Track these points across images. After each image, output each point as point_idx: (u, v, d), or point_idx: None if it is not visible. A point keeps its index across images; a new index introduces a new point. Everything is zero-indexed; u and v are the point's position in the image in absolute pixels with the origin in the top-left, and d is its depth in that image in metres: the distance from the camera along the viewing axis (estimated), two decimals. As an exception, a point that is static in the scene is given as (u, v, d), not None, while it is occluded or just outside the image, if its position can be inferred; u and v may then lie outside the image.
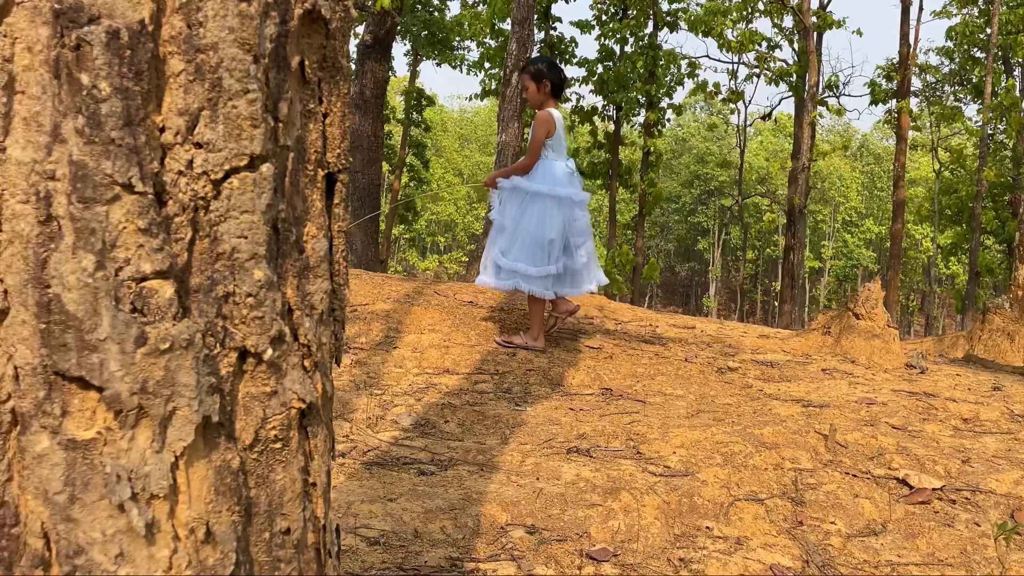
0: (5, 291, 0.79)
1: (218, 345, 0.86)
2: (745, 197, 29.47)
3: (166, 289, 0.82)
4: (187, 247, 0.84)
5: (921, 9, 21.49)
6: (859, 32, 19.59)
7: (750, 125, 26.47)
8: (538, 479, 3.06)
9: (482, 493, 2.92)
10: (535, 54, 15.45)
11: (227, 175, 0.86)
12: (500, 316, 5.79)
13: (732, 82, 21.43)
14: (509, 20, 17.83)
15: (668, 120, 20.35)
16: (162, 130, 0.84)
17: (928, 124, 25.08)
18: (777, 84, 20.07)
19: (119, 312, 0.79)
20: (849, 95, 22.67)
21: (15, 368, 0.79)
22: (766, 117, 21.65)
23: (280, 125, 0.90)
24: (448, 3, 23.95)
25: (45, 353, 0.79)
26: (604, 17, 19.53)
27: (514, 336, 5.18)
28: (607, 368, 4.94)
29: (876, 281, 5.92)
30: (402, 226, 32.14)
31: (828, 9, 20.49)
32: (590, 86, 19.43)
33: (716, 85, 20.58)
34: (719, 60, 22.53)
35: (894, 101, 20.31)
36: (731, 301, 49.05)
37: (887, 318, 5.73)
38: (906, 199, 21.33)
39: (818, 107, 19.06)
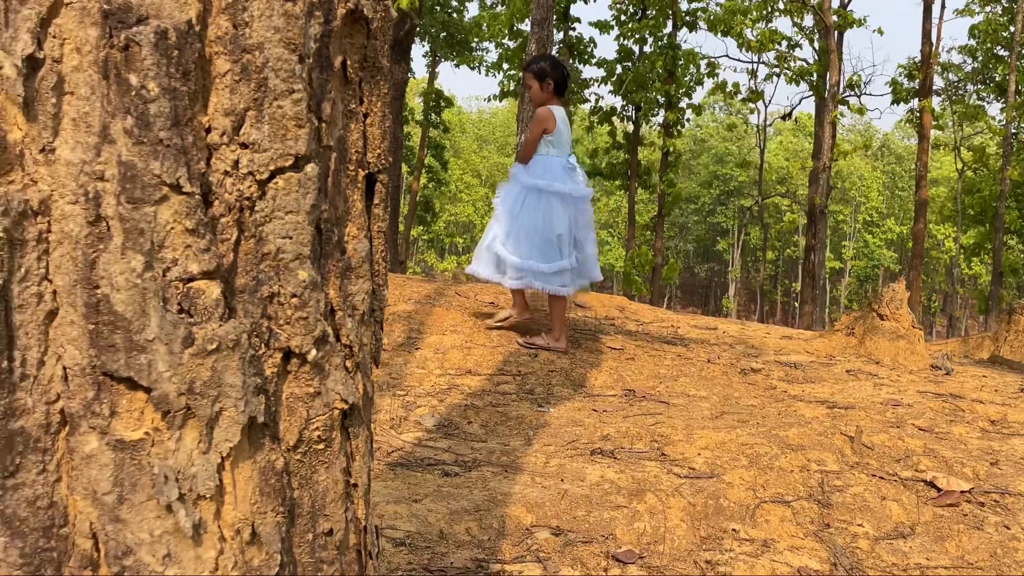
0: (54, 292, 0.80)
1: (263, 346, 0.86)
2: (765, 197, 29.34)
3: (213, 290, 0.82)
4: (233, 247, 0.84)
5: (944, 7, 21.35)
6: (880, 31, 19.47)
7: (770, 125, 26.36)
8: (562, 480, 3.06)
9: (507, 494, 2.91)
10: (554, 54, 15.45)
11: (272, 175, 0.86)
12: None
13: (752, 82, 21.35)
14: (528, 21, 17.85)
15: (687, 120, 20.31)
16: (208, 130, 0.84)
17: (950, 123, 24.90)
18: (797, 83, 19.98)
19: (167, 313, 0.80)
20: (870, 94, 22.55)
21: (64, 369, 0.80)
22: (786, 117, 21.55)
23: (323, 125, 0.91)
24: (467, 4, 23.98)
25: (94, 354, 0.79)
26: (623, 17, 19.50)
27: (536, 338, 5.18)
28: (630, 369, 4.93)
29: (901, 282, 5.88)
30: (420, 227, 32.20)
31: (849, 8, 20.38)
32: (609, 86, 19.41)
33: (735, 85, 20.50)
34: (739, 60, 22.45)
35: (916, 100, 20.17)
36: (751, 302, 48.85)
37: (912, 319, 5.70)
38: (928, 199, 21.18)
39: (839, 106, 18.96)
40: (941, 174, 42.65)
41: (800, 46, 20.98)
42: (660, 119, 19.82)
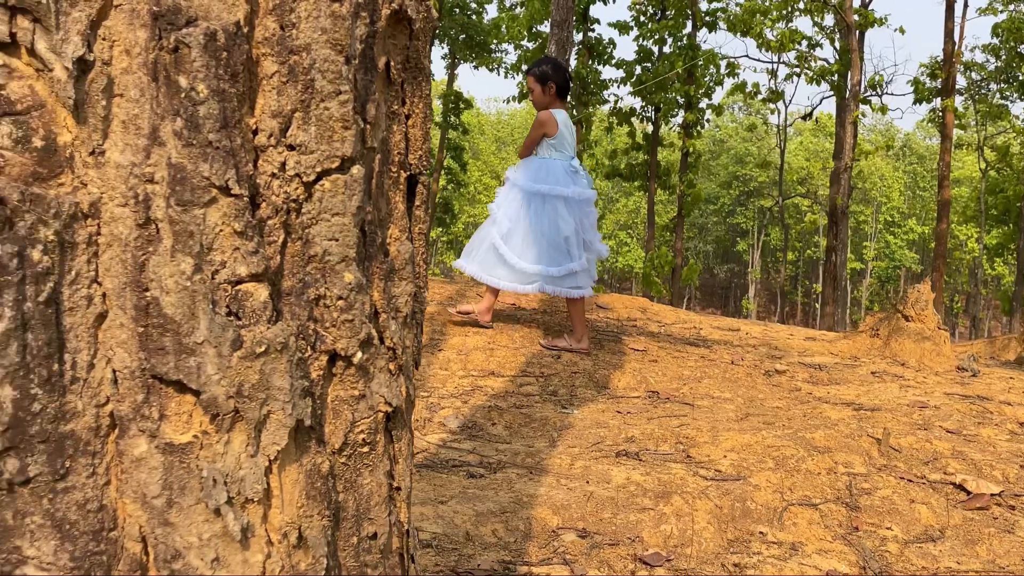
0: (104, 294, 0.80)
1: (309, 348, 0.86)
2: (786, 198, 29.19)
3: (261, 292, 0.82)
4: (279, 250, 0.84)
5: (966, 6, 21.18)
6: (901, 29, 19.34)
7: (790, 125, 26.23)
8: (588, 482, 3.05)
9: (532, 496, 2.91)
10: (573, 56, 15.42)
11: (319, 177, 0.86)
12: (543, 319, 5.78)
13: (772, 82, 21.26)
14: (547, 22, 17.85)
15: (707, 121, 20.24)
16: (255, 132, 0.84)
17: (973, 122, 24.67)
18: (818, 83, 19.88)
19: (216, 315, 0.80)
20: (892, 93, 22.35)
21: (113, 372, 0.80)
22: (807, 117, 21.43)
23: (368, 127, 0.90)
24: (486, 6, 24.01)
25: (143, 356, 0.79)
26: (642, 18, 19.46)
27: (558, 340, 5.18)
28: (653, 371, 4.92)
29: (926, 282, 5.83)
30: (439, 229, 32.24)
31: (870, 7, 20.25)
32: (629, 87, 19.38)
33: (755, 85, 20.42)
34: (758, 60, 22.32)
35: (938, 99, 20.03)
36: (771, 303, 48.64)
37: (937, 320, 5.65)
38: (951, 199, 21.01)
39: (861, 106, 18.84)
40: (964, 174, 42.32)
41: (820, 45, 20.87)
42: (679, 119, 19.77)
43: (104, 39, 0.80)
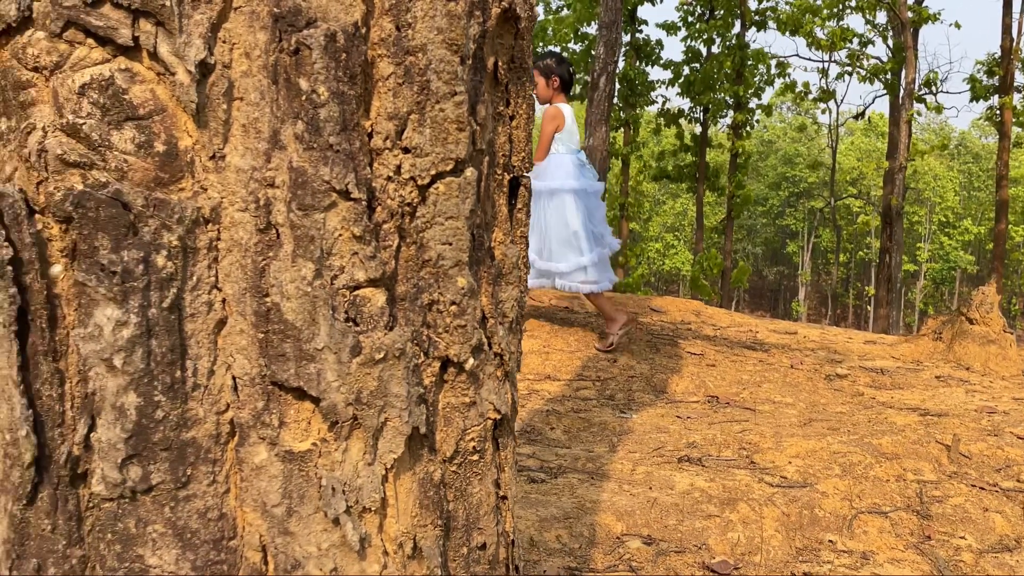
0: (224, 300, 0.80)
1: (422, 354, 0.85)
2: (837, 199, 28.81)
3: (378, 297, 0.81)
4: (394, 254, 0.83)
5: (1024, 1, 20.75)
6: (957, 25, 19.01)
7: (842, 125, 25.89)
8: (651, 488, 3.02)
9: (595, 502, 2.89)
10: (621, 57, 15.37)
11: (433, 180, 0.85)
12: (598, 322, 5.75)
13: (823, 81, 20.98)
14: (593, 24, 17.80)
15: (756, 121, 20.05)
16: (370, 135, 0.83)
17: (1032, 120, 24.13)
18: (872, 82, 19.59)
19: (335, 321, 0.79)
20: (947, 92, 21.95)
21: (234, 379, 0.79)
22: (859, 116, 21.14)
23: (478, 128, 0.90)
24: (531, 8, 24.01)
25: (264, 363, 0.79)
26: (691, 18, 19.34)
27: (604, 341, 5.17)
28: (711, 375, 4.87)
29: (991, 284, 5.71)
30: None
31: (923, 3, 19.93)
32: (677, 88, 19.25)
33: (806, 84, 20.18)
34: (809, 59, 22.04)
35: (996, 97, 19.63)
36: (821, 305, 48.03)
37: (1003, 323, 5.53)
38: (1009, 198, 20.59)
39: (915, 104, 18.54)
40: (1022, 173, 41.47)
41: (873, 43, 20.56)
42: (728, 120, 19.61)
43: (224, 42, 0.80)
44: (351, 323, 0.80)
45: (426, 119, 0.85)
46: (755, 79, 19.12)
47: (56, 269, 0.79)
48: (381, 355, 0.81)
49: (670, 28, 19.28)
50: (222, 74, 0.80)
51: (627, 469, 3.23)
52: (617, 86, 16.23)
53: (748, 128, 19.47)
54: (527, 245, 0.98)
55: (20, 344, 0.77)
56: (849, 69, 20.42)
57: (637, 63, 18.87)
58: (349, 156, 0.80)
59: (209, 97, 0.81)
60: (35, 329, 0.78)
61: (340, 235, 0.80)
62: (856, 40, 19.81)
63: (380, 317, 0.81)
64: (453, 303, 0.86)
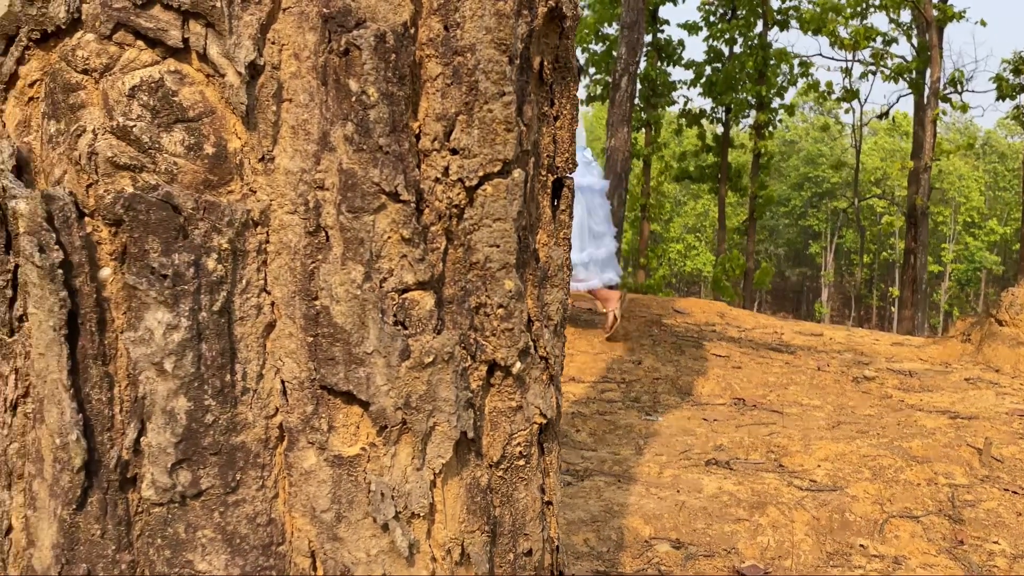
0: (273, 303, 0.79)
1: (469, 358, 0.85)
2: (861, 199, 28.63)
3: (427, 300, 0.80)
4: (441, 257, 0.83)
5: (1051, -2, 20.53)
6: (983, 22, 18.84)
7: (866, 124, 25.72)
8: (679, 492, 3.01)
9: (622, 505, 2.88)
10: (643, 58, 15.33)
11: (481, 181, 0.85)
12: (620, 324, 5.73)
13: (846, 80, 20.85)
14: (614, 24, 17.78)
15: (779, 121, 19.96)
16: (417, 137, 0.83)
17: (1059, 119, 23.88)
18: (896, 81, 19.46)
19: (385, 324, 0.79)
20: (972, 91, 21.78)
21: (282, 382, 0.79)
22: (883, 116, 21.00)
23: (524, 129, 0.89)
24: (552, 8, 23.99)
25: (313, 367, 0.78)
26: (712, 18, 19.26)
27: (611, 332, 5.19)
28: (737, 377, 4.84)
29: (1021, 285, 5.65)
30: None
31: (948, 1, 19.77)
32: (698, 88, 19.19)
33: (829, 84, 20.05)
34: (832, 58, 21.92)
35: (1022, 96, 19.44)
36: (844, 307, 47.75)
37: (1033, 325, 5.47)
38: (1036, 199, 20.38)
39: (941, 104, 18.40)
40: (1047, 173, 41.04)
41: (896, 42, 20.42)
42: (751, 120, 19.51)
43: (273, 43, 0.80)
44: (400, 326, 0.80)
45: (474, 120, 0.84)
46: (777, 79, 19.02)
47: (105, 272, 0.79)
48: (430, 359, 0.80)
49: (692, 28, 19.22)
50: (271, 75, 0.80)
51: (654, 472, 3.21)
52: (638, 86, 16.18)
53: (770, 128, 19.37)
54: (569, 247, 0.97)
55: (70, 348, 0.77)
56: (873, 68, 20.28)
57: (659, 63, 18.82)
58: (398, 158, 0.79)
59: (258, 99, 0.80)
60: (85, 333, 0.78)
61: (389, 238, 0.80)
62: (880, 39, 19.67)
63: (429, 320, 0.80)
64: (500, 306, 0.85)
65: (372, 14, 0.80)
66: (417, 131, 0.83)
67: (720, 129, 19.98)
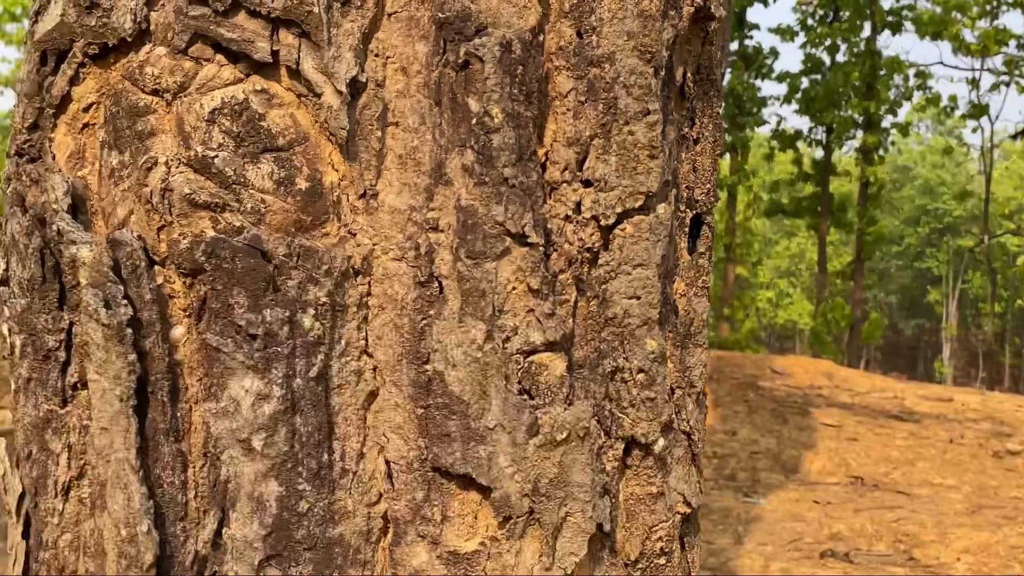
0: (375, 368, 0.78)
1: (603, 434, 0.83)
2: (992, 236, 28.23)
3: (557, 364, 0.79)
4: (571, 311, 0.81)
5: None
6: None
7: (997, 146, 25.44)
8: (791, 591, 2.95)
9: (723, 607, 2.83)
10: (727, 70, 15.36)
11: (619, 219, 0.84)
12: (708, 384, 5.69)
13: (973, 93, 20.67)
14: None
15: (891, 143, 19.80)
16: (543, 166, 0.82)
17: None
18: (1032, 95, 19.25)
19: (509, 394, 0.77)
20: None
21: (387, 463, 0.78)
22: (1018, 136, 20.76)
23: (667, 155, 0.88)
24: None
25: (423, 445, 0.77)
26: (810, 21, 19.24)
27: None
28: (852, 451, 4.77)
29: None
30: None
31: (1096, -1, 19.56)
32: (794, 105, 19.13)
33: (952, 98, 19.89)
34: (956, 67, 21.80)
35: None
36: (970, 365, 46.91)
37: None
38: None
39: (1087, 122, 18.14)
40: None
41: (1034, 47, 20.23)
42: (856, 143, 19.38)
43: (376, 55, 0.79)
44: (526, 396, 0.78)
45: (612, 144, 0.82)
46: (889, 92, 18.89)
47: (178, 331, 0.79)
48: (563, 435, 0.78)
49: (785, 33, 19.21)
50: (375, 94, 0.79)
51: (758, 566, 3.16)
52: (723, 104, 16.20)
53: (881, 152, 19.21)
54: (710, 297, 0.96)
55: (139, 422, 0.77)
56: (1006, 78, 20.07)
57: (746, 76, 18.81)
58: (526, 191, 0.78)
59: (360, 122, 0.80)
60: (155, 403, 0.77)
61: (514, 288, 0.78)
62: (1014, 43, 19.48)
63: (559, 388, 0.79)
64: (641, 371, 0.83)
65: (494, 19, 0.79)
66: (543, 159, 0.83)
67: (820, 153, 19.86)
